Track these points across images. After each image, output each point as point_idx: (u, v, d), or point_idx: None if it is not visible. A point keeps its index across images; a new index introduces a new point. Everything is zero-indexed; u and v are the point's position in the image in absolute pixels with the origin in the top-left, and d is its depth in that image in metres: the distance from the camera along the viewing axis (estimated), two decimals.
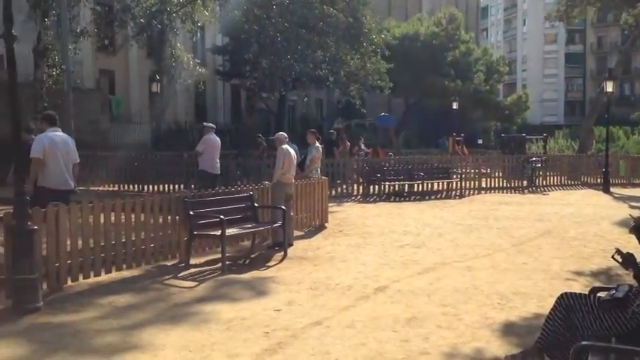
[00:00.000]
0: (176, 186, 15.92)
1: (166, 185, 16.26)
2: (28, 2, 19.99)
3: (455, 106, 32.87)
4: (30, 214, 5.83)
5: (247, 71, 27.63)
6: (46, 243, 6.27)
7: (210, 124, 12.62)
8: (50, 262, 6.32)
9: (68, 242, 6.56)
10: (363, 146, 22.80)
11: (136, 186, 17.14)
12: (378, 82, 22.71)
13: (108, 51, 28.63)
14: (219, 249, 8.05)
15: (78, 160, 7.85)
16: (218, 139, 12.09)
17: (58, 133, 7.67)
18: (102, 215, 7.02)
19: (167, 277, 7.23)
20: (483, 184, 18.33)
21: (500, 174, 18.98)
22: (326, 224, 11.23)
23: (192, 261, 7.88)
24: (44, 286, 6.14)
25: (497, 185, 18.64)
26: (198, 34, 32.37)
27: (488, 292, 6.58)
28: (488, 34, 79.95)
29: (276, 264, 8.12)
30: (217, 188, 9.66)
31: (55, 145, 7.42)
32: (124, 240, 7.30)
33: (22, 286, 5.65)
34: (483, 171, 18.89)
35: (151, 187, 16.66)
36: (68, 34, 16.51)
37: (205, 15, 23.07)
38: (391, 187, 16.69)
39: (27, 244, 5.67)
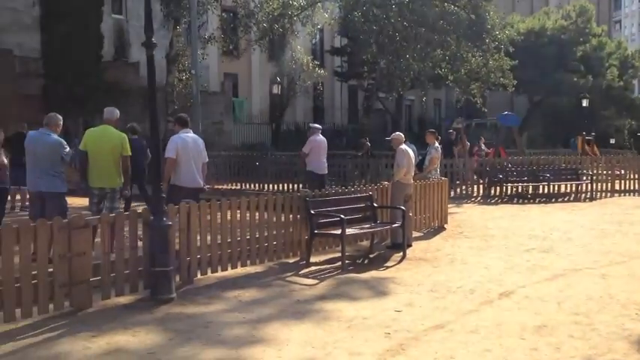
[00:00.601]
0: (295, 185, 16.29)
1: (285, 184, 16.70)
2: (161, 12, 21.36)
3: (585, 103, 30.99)
4: (165, 210, 6.20)
5: (365, 72, 27.70)
6: (178, 238, 6.63)
7: (316, 125, 12.83)
8: (182, 256, 6.68)
9: (198, 238, 6.91)
10: (483, 146, 22.11)
11: (256, 185, 17.74)
12: (501, 79, 21.89)
13: (232, 55, 29.85)
14: (339, 248, 8.13)
15: (206, 160, 8.26)
16: (324, 139, 12.20)
17: (190, 134, 8.11)
18: (229, 212, 7.32)
19: (289, 274, 7.41)
20: (617, 187, 17.13)
21: (637, 176, 17.63)
22: (445, 226, 11.01)
23: (313, 259, 8.03)
24: (177, 278, 6.49)
25: (632, 188, 17.32)
26: (318, 36, 32.97)
27: (625, 302, 6.14)
28: (622, 26, 74.69)
29: (395, 264, 8.07)
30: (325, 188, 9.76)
31: (186, 145, 7.87)
32: (248, 237, 7.57)
33: (158, 277, 6.02)
34: (617, 172, 17.63)
35: (270, 185, 17.16)
36: (197, 40, 17.40)
37: (325, 17, 23.42)
38: (514, 189, 16.05)
39: (163, 239, 6.04)
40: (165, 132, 12.39)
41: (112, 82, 24.90)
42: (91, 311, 5.67)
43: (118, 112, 7.86)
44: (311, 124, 13.38)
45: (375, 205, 8.96)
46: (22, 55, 25.03)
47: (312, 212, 7.98)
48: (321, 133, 12.28)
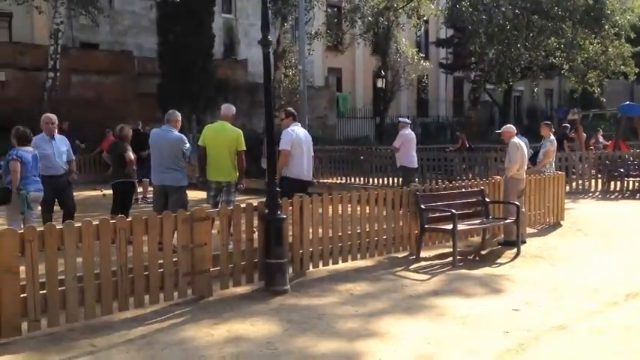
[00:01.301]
0: (399, 179, 16.12)
1: (390, 179, 16.58)
2: (270, 10, 21.86)
3: None
4: (279, 204, 6.35)
5: (472, 63, 27.03)
6: (291, 231, 6.77)
7: (406, 120, 12.96)
8: (295, 248, 6.82)
9: (310, 231, 7.02)
10: (601, 138, 20.89)
11: (361, 179, 17.76)
12: (622, 67, 20.59)
13: (336, 50, 30.06)
14: (449, 243, 7.99)
15: (313, 154, 8.40)
16: (413, 133, 12.34)
17: (299, 128, 8.28)
18: (340, 206, 7.39)
19: (399, 268, 7.37)
20: None
21: None
22: (561, 222, 10.51)
23: (423, 254, 7.93)
24: (290, 270, 6.64)
25: None
26: (423, 27, 32.48)
27: None
28: None
29: (509, 262, 7.81)
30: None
31: (299, 138, 8.04)
32: (359, 231, 7.60)
33: (272, 269, 6.18)
34: None
35: (375, 179, 17.12)
36: (304, 36, 17.68)
37: (431, 8, 23.04)
38: (636, 184, 15.04)
39: (277, 231, 6.20)
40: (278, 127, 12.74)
41: (222, 80, 25.85)
42: (212, 300, 5.92)
43: (234, 108, 8.21)
44: (400, 119, 13.50)
45: (487, 200, 8.70)
46: (140, 55, 26.55)
47: (423, 207, 7.89)
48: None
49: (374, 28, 22.91)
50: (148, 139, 8.31)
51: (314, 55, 26.55)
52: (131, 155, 8.59)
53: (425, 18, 25.73)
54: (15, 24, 25.12)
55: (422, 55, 28.90)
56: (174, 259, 5.74)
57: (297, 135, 8.01)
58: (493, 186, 9.17)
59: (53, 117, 8.25)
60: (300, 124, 8.39)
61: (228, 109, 8.10)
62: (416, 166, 12.25)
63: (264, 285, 6.28)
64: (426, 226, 7.90)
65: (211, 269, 5.98)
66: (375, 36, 26.41)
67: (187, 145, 7.92)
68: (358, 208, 7.64)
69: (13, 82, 22.88)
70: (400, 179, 13.01)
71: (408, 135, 12.03)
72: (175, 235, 5.81)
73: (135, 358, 4.46)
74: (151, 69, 24.60)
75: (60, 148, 8.15)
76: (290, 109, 8.71)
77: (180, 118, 8.06)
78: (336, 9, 30.65)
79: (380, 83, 29.01)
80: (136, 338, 4.87)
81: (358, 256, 7.59)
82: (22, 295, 4.76)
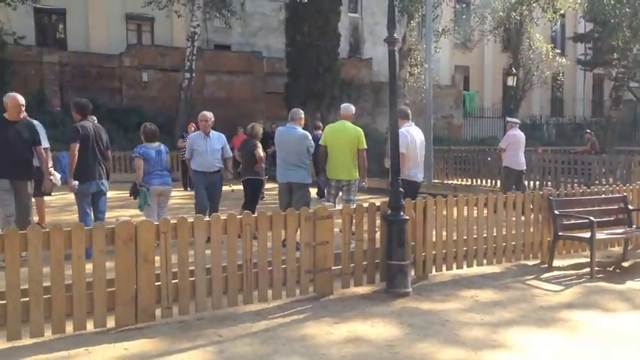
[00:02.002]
0: (531, 183, 15.34)
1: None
2: (397, 7, 21.68)
3: None
4: (403, 204, 6.22)
5: (614, 59, 25.15)
6: (414, 233, 6.61)
7: (514, 120, 12.49)
8: (417, 251, 6.66)
9: (434, 233, 6.82)
10: None
11: (488, 181, 17.09)
12: None
13: (464, 47, 29.24)
14: (585, 252, 7.44)
15: (424, 153, 8.31)
16: (522, 134, 11.90)
17: (413, 127, 8.11)
18: (465, 209, 7.12)
19: (529, 277, 6.96)
20: None
21: None
22: None
23: (555, 263, 7.45)
24: (412, 273, 6.49)
25: None
26: (559, 22, 30.75)
27: None
28: None
29: None
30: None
31: (413, 139, 7.93)
32: (485, 235, 7.28)
33: (394, 270, 6.07)
34: None
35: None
36: (431, 33, 17.34)
37: (569, 1, 21.71)
38: None
39: (400, 233, 6.07)
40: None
41: (347, 79, 26.06)
42: (332, 298, 5.92)
43: (353, 108, 8.22)
44: (508, 119, 13.13)
45: (630, 207, 8.01)
46: (269, 56, 27.42)
47: (557, 213, 7.40)
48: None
49: (505, 24, 21.98)
50: (270, 137, 8.60)
51: (441, 52, 26.00)
52: (261, 153, 8.81)
53: (562, 12, 24.31)
54: (157, 28, 26.91)
55: (557, 51, 27.30)
56: (297, 256, 5.80)
57: (412, 137, 7.91)
58: (637, 193, 8.43)
59: (208, 114, 8.55)
60: (414, 124, 8.21)
61: (348, 108, 8.13)
62: (522, 168, 11.83)
63: (386, 286, 6.18)
64: (560, 234, 7.40)
65: (333, 268, 5.98)
66: (506, 32, 25.36)
67: (311, 142, 8.00)
68: (485, 212, 7.33)
69: (154, 82, 24.53)
70: (532, 183, 12.53)
71: (515, 135, 11.79)
72: (298, 232, 5.87)
73: (258, 351, 4.54)
74: (279, 69, 25.34)
75: (214, 145, 8.44)
76: (403, 107, 8.52)
77: (303, 116, 8.18)
78: (464, 5, 29.82)
79: (510, 81, 27.82)
80: (259, 331, 4.96)
81: (484, 261, 7.28)
82: (156, 284, 5.01)
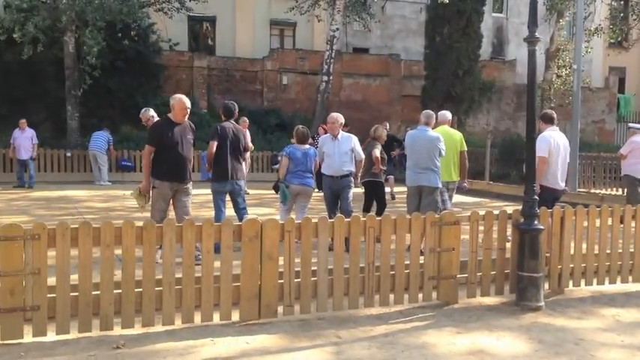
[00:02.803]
0: None
1: None
2: (544, 5, 20.61)
3: None
4: (537, 213, 5.86)
5: None
6: (549, 243, 6.21)
7: (637, 125, 11.56)
8: (553, 263, 6.25)
9: (572, 245, 6.37)
10: None
11: None
12: None
13: (620, 47, 27.12)
14: None
15: (568, 160, 7.80)
16: None
17: (558, 133, 7.64)
18: (609, 220, 6.57)
19: None
20: None
21: None
22: None
23: None
24: (545, 286, 6.10)
25: None
26: None
27: None
28: None
29: None
30: None
31: (557, 144, 7.45)
32: (632, 250, 6.67)
33: (525, 283, 5.74)
34: None
35: None
36: (582, 33, 16.24)
37: None
38: None
39: (533, 243, 5.73)
40: (538, 131, 12.14)
41: (487, 81, 25.19)
42: (456, 307, 5.72)
43: (450, 114, 8.93)
44: (630, 124, 12.40)
45: None
46: (407, 58, 27.26)
47: None
48: None
49: None
50: (395, 140, 8.72)
51: (593, 53, 24.31)
52: (377, 153, 8.81)
53: None
54: (298, 32, 27.77)
55: None
56: (421, 262, 5.68)
57: (555, 141, 7.43)
58: None
59: (336, 116, 8.27)
60: (557, 129, 7.75)
61: (445, 115, 8.69)
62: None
63: (515, 299, 5.86)
64: None
65: (458, 275, 5.78)
66: None
67: (443, 144, 7.82)
68: (633, 224, 6.71)
69: (293, 85, 25.33)
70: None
71: (637, 142, 10.89)
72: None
73: (375, 355, 4.49)
74: (416, 71, 25.11)
75: (342, 148, 8.09)
76: (547, 111, 8.07)
77: (434, 119, 8.03)
78: (622, 1, 27.65)
79: None
80: (378, 336, 4.91)
81: (630, 278, 6.68)
82: (279, 281, 5.14)
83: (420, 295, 5.69)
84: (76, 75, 18.55)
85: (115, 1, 17.87)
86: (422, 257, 5.73)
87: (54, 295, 4.50)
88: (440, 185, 7.84)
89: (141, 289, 4.72)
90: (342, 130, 8.35)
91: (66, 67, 18.58)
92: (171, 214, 7.03)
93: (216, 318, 4.98)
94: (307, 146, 8.28)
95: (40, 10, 17.14)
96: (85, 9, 17.18)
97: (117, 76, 20.33)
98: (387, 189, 12.78)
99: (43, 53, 18.00)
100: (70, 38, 18.28)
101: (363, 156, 8.45)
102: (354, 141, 8.27)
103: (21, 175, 15.83)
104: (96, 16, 17.35)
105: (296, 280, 5.19)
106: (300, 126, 8.57)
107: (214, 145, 7.45)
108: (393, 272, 5.53)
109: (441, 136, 7.88)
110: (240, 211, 7.76)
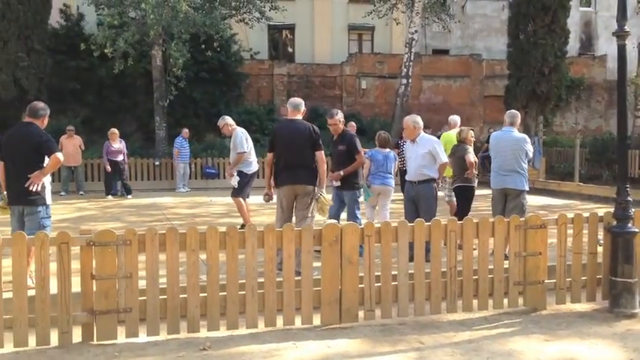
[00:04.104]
0: None
1: None
2: None
3: None
4: (631, 215, 5.56)
5: None
6: None
7: None
8: None
9: None
10: None
11: None
12: None
13: None
14: None
15: None
16: None
17: None
18: None
19: None
20: None
21: None
22: None
23: None
24: None
25: None
26: None
27: None
28: None
29: None
30: None
31: None
32: None
33: (618, 288, 5.45)
34: None
35: None
36: None
37: None
38: None
39: (626, 247, 5.44)
40: (632, 129, 11.48)
41: (575, 78, 24.15)
42: (544, 313, 5.51)
43: (458, 118, 9.50)
44: None
45: None
46: (489, 58, 26.62)
47: None
48: None
49: None
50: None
51: None
52: (472, 158, 8.44)
53: None
54: (376, 36, 27.74)
55: None
56: (505, 266, 5.51)
57: None
58: None
59: (409, 120, 7.78)
60: None
61: (455, 120, 9.52)
62: None
63: (608, 305, 5.58)
64: None
65: (546, 281, 5.57)
66: None
67: (530, 145, 7.56)
68: None
69: (372, 89, 25.31)
70: None
71: None
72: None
73: None
74: (499, 71, 24.46)
75: (419, 151, 7.56)
76: None
77: (519, 119, 7.76)
78: None
79: None
80: (462, 342, 4.81)
81: None
82: (359, 286, 5.13)
83: (506, 301, 5.53)
84: (163, 86, 19.33)
85: (199, 14, 18.50)
86: (506, 262, 5.57)
87: (144, 297, 4.70)
88: (527, 188, 7.58)
89: (225, 293, 4.85)
90: (424, 131, 7.96)
91: (154, 80, 19.40)
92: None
93: (298, 322, 5.04)
94: (388, 150, 8.73)
95: (130, 26, 17.99)
96: (171, 23, 17.87)
97: (201, 86, 21.07)
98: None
99: (133, 67, 18.90)
100: (157, 52, 19.09)
101: (445, 160, 7.77)
102: (434, 143, 7.69)
103: (112, 183, 16.04)
104: (181, 29, 18.03)
105: (376, 285, 5.17)
106: (382, 132, 9.10)
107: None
108: (476, 277, 5.40)
109: (527, 138, 7.64)
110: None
